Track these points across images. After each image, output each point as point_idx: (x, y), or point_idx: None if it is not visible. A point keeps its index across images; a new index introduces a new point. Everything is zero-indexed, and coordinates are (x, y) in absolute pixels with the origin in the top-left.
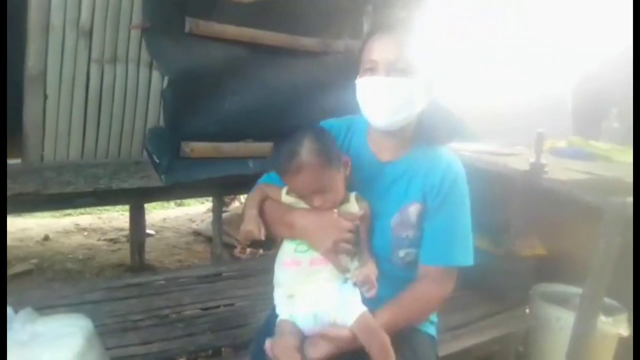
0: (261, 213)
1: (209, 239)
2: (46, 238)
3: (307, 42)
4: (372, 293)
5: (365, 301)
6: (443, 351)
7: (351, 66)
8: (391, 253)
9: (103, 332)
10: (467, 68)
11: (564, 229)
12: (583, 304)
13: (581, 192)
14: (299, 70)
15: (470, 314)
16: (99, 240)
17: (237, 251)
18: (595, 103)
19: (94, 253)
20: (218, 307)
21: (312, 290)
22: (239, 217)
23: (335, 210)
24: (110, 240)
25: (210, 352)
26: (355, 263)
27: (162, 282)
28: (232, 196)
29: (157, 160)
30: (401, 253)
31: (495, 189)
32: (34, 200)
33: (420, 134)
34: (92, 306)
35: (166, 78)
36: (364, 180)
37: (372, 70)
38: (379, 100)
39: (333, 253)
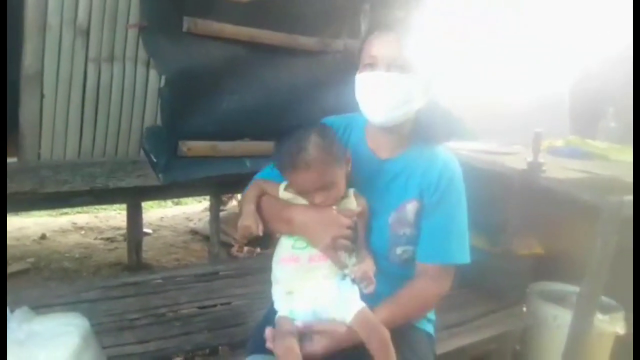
0: (258, 209)
1: (206, 238)
2: (43, 237)
3: (306, 41)
4: (370, 289)
5: (363, 298)
6: (440, 349)
7: (350, 65)
8: (389, 250)
9: (100, 331)
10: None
11: (561, 228)
12: (580, 303)
13: (578, 191)
14: (297, 70)
15: (467, 313)
16: (96, 239)
17: (234, 250)
18: (593, 102)
19: (91, 252)
20: (215, 305)
21: (311, 287)
22: (237, 216)
23: (334, 207)
24: (108, 239)
25: (207, 351)
26: (353, 259)
27: (159, 280)
28: (230, 195)
29: (155, 159)
30: (398, 250)
31: (492, 188)
32: (30, 199)
33: (417, 132)
34: (89, 305)
35: (163, 77)
36: (362, 177)
37: (372, 65)
38: (379, 96)
39: (332, 249)
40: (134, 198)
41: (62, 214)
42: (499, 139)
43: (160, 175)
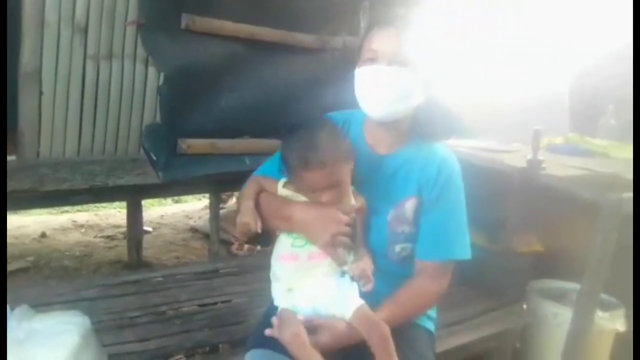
0: (257, 206)
1: (206, 236)
2: (43, 235)
3: (304, 38)
4: (368, 287)
5: (362, 296)
6: (440, 347)
7: (348, 63)
8: (387, 248)
9: (100, 329)
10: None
11: (561, 225)
12: (580, 300)
13: (578, 189)
14: (296, 67)
15: (467, 310)
16: (96, 237)
17: (234, 248)
18: (592, 100)
19: (91, 250)
20: (215, 303)
21: (311, 285)
22: (235, 213)
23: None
24: (108, 237)
25: (207, 348)
26: (351, 257)
27: (160, 278)
28: (229, 193)
29: (154, 157)
30: (397, 248)
31: (492, 185)
32: (29, 197)
33: (416, 129)
34: (89, 303)
35: (162, 74)
36: (361, 173)
37: (372, 60)
38: (379, 90)
39: (331, 247)
40: (133, 196)
41: (62, 212)
42: (499, 137)
43: (159, 173)
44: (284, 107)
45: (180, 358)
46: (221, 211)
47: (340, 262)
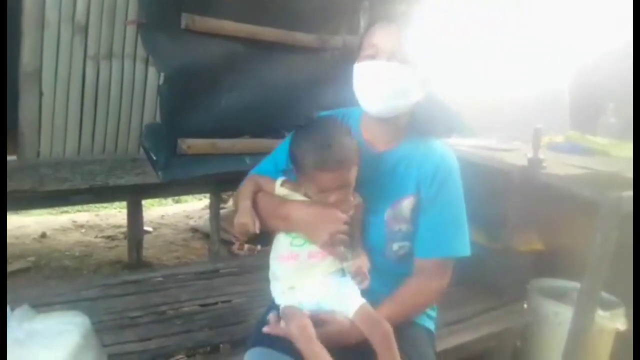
0: (254, 206)
1: (206, 236)
2: (43, 235)
3: (305, 38)
4: (365, 285)
5: (363, 294)
6: (440, 346)
7: (349, 62)
8: (385, 246)
9: (100, 329)
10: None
11: (561, 224)
12: (580, 299)
13: (578, 187)
14: (296, 67)
15: (467, 309)
16: (96, 237)
17: (235, 247)
18: (592, 98)
19: (92, 250)
20: (216, 303)
21: (311, 284)
22: (233, 213)
23: None
24: (108, 237)
25: (208, 348)
26: (350, 255)
27: (160, 278)
28: (230, 193)
29: (154, 157)
30: (395, 247)
31: (492, 184)
32: (30, 197)
33: (414, 125)
34: (89, 303)
35: (162, 74)
36: (358, 170)
37: (372, 55)
38: (378, 85)
39: (331, 245)
40: (133, 196)
41: (62, 212)
42: (499, 135)
43: (159, 173)
44: (284, 107)
45: (181, 358)
46: (221, 211)
47: (342, 258)
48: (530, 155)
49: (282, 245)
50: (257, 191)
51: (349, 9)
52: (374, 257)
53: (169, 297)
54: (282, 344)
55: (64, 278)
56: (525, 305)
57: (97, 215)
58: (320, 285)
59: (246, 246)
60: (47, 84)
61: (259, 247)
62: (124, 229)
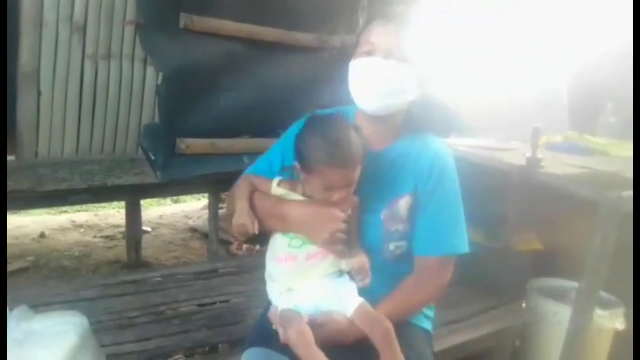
0: (251, 206)
1: (205, 236)
2: (42, 235)
3: (303, 37)
4: (366, 282)
5: (359, 293)
6: (439, 346)
7: (347, 62)
8: (382, 246)
9: (99, 329)
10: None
11: (560, 224)
12: (579, 298)
13: (577, 187)
14: (295, 66)
15: (466, 309)
16: (95, 237)
17: (233, 247)
18: (591, 97)
19: (90, 250)
20: (214, 303)
21: (309, 286)
22: (230, 214)
23: None
24: (107, 237)
25: (206, 348)
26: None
27: (158, 278)
28: (228, 193)
29: (153, 157)
30: (391, 246)
31: (491, 183)
32: (28, 197)
33: (409, 124)
34: (88, 303)
35: (161, 74)
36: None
37: (369, 52)
38: (374, 82)
39: (331, 244)
40: (132, 196)
41: (61, 212)
42: (498, 135)
43: (158, 173)
44: (282, 107)
45: (179, 358)
46: (220, 211)
47: (343, 255)
48: (528, 154)
49: (280, 246)
50: (253, 191)
51: (347, 9)
52: (372, 257)
53: (167, 297)
54: (279, 344)
55: (63, 278)
56: (524, 305)
57: (95, 215)
58: (318, 287)
59: (245, 246)
60: (45, 84)
61: (257, 247)
62: (123, 229)
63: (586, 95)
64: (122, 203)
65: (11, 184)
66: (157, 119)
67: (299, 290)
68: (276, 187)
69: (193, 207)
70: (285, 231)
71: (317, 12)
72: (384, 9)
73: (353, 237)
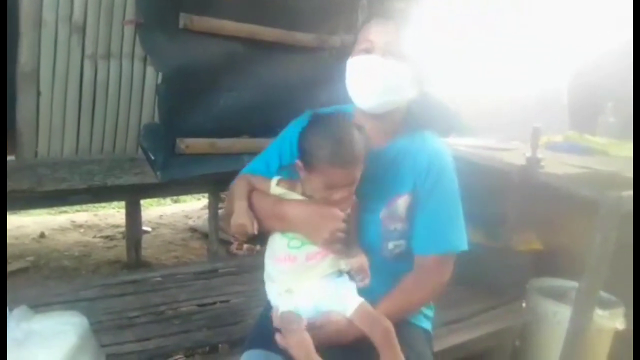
0: (250, 206)
1: (205, 236)
2: (42, 235)
3: (303, 37)
4: (366, 282)
5: (359, 293)
6: (439, 346)
7: (346, 61)
8: (381, 245)
9: (99, 330)
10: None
11: (560, 223)
12: (579, 298)
13: (577, 187)
14: (295, 66)
15: (466, 309)
16: (95, 237)
17: (233, 247)
18: (591, 97)
19: (90, 250)
20: (214, 303)
21: (309, 287)
22: (229, 214)
23: None
24: (107, 237)
25: (207, 348)
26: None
27: (159, 278)
28: (227, 192)
29: (153, 157)
30: (390, 245)
31: (491, 183)
32: (28, 197)
33: (408, 122)
34: (88, 303)
35: (160, 74)
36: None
37: (367, 50)
38: (372, 80)
39: (331, 244)
40: (132, 196)
41: (61, 212)
42: (498, 135)
43: (158, 173)
44: (282, 107)
45: (180, 358)
46: (220, 211)
47: (344, 254)
48: (528, 154)
49: (279, 247)
50: (251, 190)
51: (347, 8)
52: (371, 257)
53: (167, 297)
54: (278, 345)
55: (63, 278)
56: (524, 305)
57: (95, 215)
58: (317, 287)
59: (245, 246)
60: (44, 84)
61: (258, 246)
62: (123, 229)
63: (586, 95)
64: (122, 203)
65: (11, 184)
66: (157, 119)
67: (299, 291)
68: (275, 187)
69: (193, 207)
70: (284, 231)
71: (317, 12)
72: (384, 7)
73: (352, 237)
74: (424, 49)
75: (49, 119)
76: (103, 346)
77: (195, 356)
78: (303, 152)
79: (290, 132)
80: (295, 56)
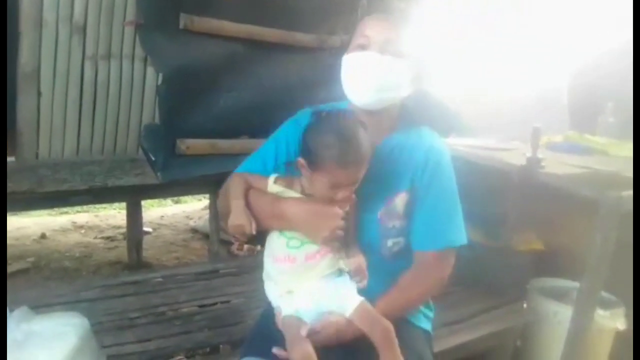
0: (247, 205)
1: (206, 236)
2: (43, 236)
3: (303, 38)
4: (364, 283)
5: (358, 292)
6: (440, 347)
7: None
8: (379, 244)
9: (100, 331)
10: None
11: (560, 223)
12: (580, 298)
13: (578, 187)
14: (295, 67)
15: (467, 309)
16: (96, 238)
17: (234, 248)
18: (591, 97)
19: (91, 251)
20: (215, 304)
21: (308, 287)
22: (226, 214)
23: None
24: (108, 238)
25: (207, 349)
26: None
27: (159, 279)
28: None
29: (153, 158)
30: (389, 243)
31: (492, 183)
32: (29, 198)
33: (404, 118)
34: (89, 304)
35: (161, 75)
36: None
37: (363, 46)
38: (368, 77)
39: (331, 242)
40: (132, 196)
41: (62, 213)
42: (498, 135)
43: (158, 174)
44: (282, 107)
45: (180, 359)
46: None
47: (344, 253)
48: (529, 154)
49: (278, 246)
50: (247, 189)
51: (347, 8)
52: (369, 255)
53: (168, 297)
54: (277, 357)
55: (64, 279)
56: (524, 305)
57: (96, 216)
58: (317, 287)
59: (246, 246)
60: (45, 84)
61: (258, 247)
62: (124, 230)
63: (586, 95)
64: (123, 204)
65: (11, 185)
66: (157, 120)
67: (299, 292)
68: (273, 185)
69: (194, 207)
70: (283, 229)
71: (317, 12)
72: (384, 6)
73: (351, 236)
74: (421, 46)
75: (50, 119)
76: (104, 347)
77: (196, 357)
78: (308, 151)
79: (287, 130)
80: (295, 56)
